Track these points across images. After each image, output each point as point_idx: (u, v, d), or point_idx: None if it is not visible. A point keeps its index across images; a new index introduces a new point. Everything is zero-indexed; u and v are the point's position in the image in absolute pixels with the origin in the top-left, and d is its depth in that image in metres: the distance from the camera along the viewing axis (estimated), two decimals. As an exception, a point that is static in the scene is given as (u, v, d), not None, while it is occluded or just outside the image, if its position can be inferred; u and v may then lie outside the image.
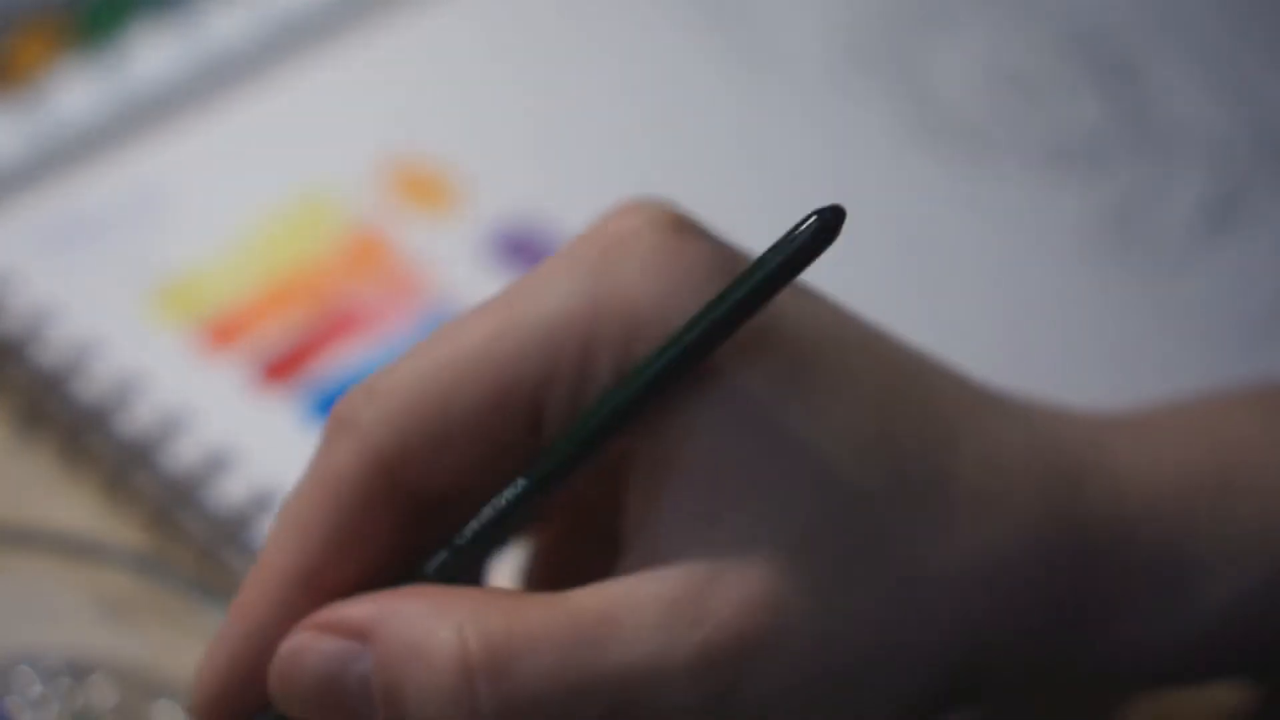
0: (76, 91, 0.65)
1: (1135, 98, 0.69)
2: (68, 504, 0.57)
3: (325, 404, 0.58)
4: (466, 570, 0.41)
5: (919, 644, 0.40)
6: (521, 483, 0.40)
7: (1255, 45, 0.70)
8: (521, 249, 0.63)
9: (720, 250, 0.40)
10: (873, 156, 0.67)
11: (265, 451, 0.57)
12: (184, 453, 0.57)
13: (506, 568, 0.46)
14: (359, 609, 0.39)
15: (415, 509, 0.41)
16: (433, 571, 0.41)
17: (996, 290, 0.64)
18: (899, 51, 0.70)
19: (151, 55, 0.66)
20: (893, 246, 0.64)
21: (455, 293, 0.61)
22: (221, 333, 0.60)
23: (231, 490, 0.57)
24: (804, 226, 0.38)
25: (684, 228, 0.40)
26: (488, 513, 0.40)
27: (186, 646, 0.48)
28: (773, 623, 0.39)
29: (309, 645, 0.40)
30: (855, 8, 0.71)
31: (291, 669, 0.40)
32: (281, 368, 0.59)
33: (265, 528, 0.56)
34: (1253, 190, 0.67)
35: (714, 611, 0.39)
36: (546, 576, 0.45)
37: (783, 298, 0.40)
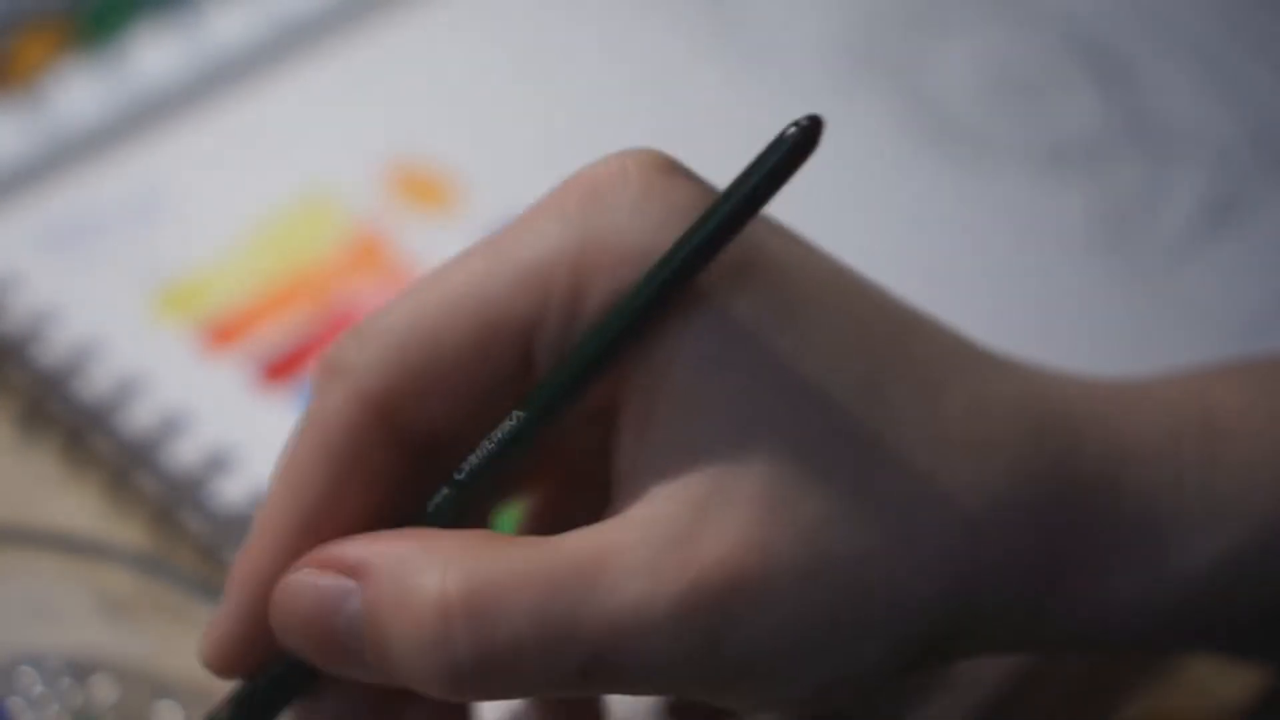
0: (78, 92, 0.65)
1: (1134, 98, 0.69)
2: (69, 504, 0.57)
3: (326, 404, 0.59)
4: (469, 508, 0.41)
5: (905, 588, 0.40)
6: (518, 415, 0.40)
7: (1254, 46, 0.71)
8: (522, 249, 0.63)
9: (706, 191, 0.40)
10: (873, 157, 0.67)
11: (266, 451, 0.57)
12: (185, 452, 0.57)
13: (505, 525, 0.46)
14: (352, 548, 0.40)
15: (412, 451, 0.41)
16: (434, 509, 0.41)
17: (995, 289, 0.64)
18: (899, 52, 0.70)
19: (153, 56, 0.66)
20: (893, 246, 0.64)
21: (456, 293, 0.61)
22: (222, 333, 0.60)
23: (232, 490, 0.57)
24: (784, 137, 0.38)
25: (670, 169, 0.41)
26: (485, 447, 0.40)
27: (188, 645, 0.48)
28: (760, 565, 0.39)
29: (304, 581, 0.40)
30: (855, 8, 0.71)
31: (288, 605, 0.40)
32: (282, 368, 0.59)
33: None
34: (1251, 190, 0.67)
35: (701, 554, 0.38)
36: (542, 530, 0.45)
37: (772, 239, 0.40)
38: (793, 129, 0.38)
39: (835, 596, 0.39)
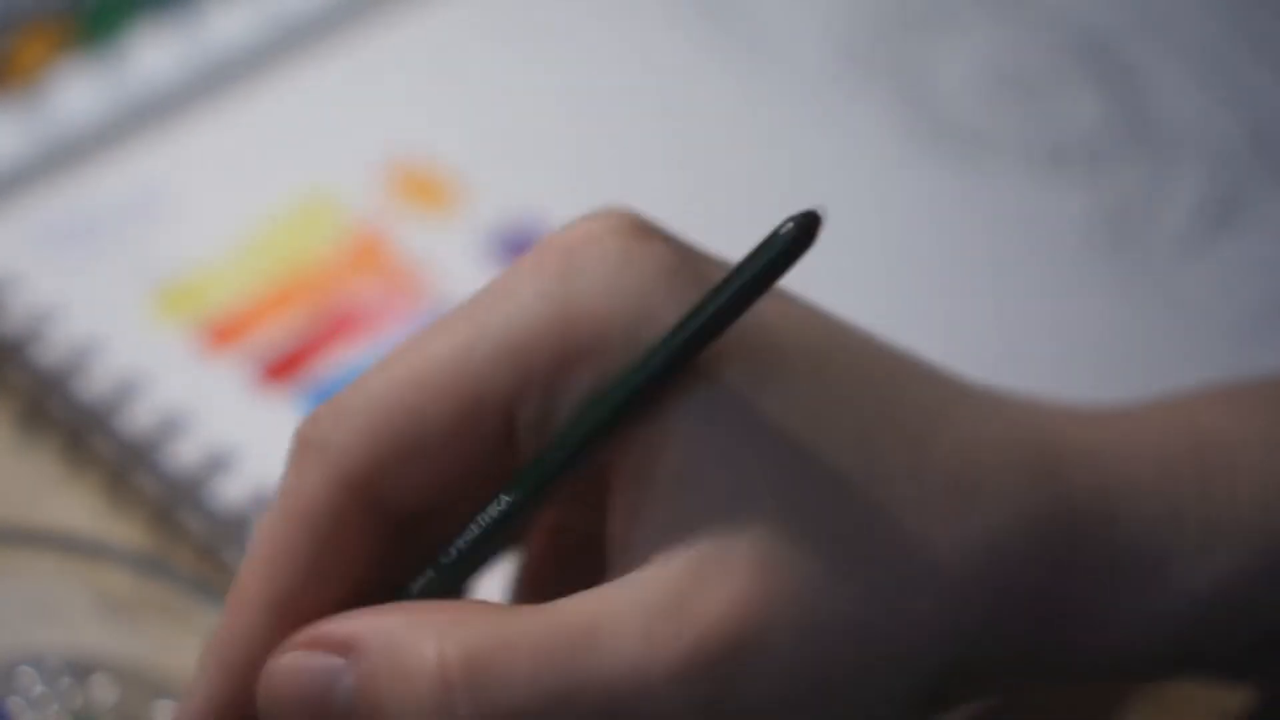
0: (78, 91, 0.65)
1: (1134, 98, 0.69)
2: (69, 504, 0.57)
3: (326, 404, 0.59)
4: (453, 587, 0.41)
5: (907, 641, 0.40)
6: (505, 499, 0.40)
7: (1253, 46, 0.71)
8: (521, 249, 0.63)
9: (683, 253, 0.40)
10: (872, 157, 0.67)
11: (265, 451, 0.57)
12: (185, 452, 0.57)
13: (494, 585, 0.46)
14: (342, 625, 0.39)
15: (391, 526, 0.41)
16: (419, 590, 0.41)
17: (994, 290, 0.64)
18: (899, 52, 0.70)
19: (152, 56, 0.66)
20: (892, 247, 0.64)
21: (455, 293, 0.61)
22: (222, 333, 0.60)
23: (232, 490, 0.57)
24: (781, 232, 0.38)
25: (645, 232, 0.40)
26: (472, 530, 0.40)
27: (187, 646, 0.48)
28: (758, 625, 0.38)
29: (295, 663, 0.39)
30: (855, 8, 0.71)
31: (278, 687, 0.40)
32: (282, 368, 0.59)
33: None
34: (1250, 190, 0.67)
35: (698, 617, 0.38)
36: (534, 593, 0.45)
37: (760, 301, 0.40)
38: (790, 225, 0.38)
39: (833, 656, 0.39)
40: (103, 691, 0.49)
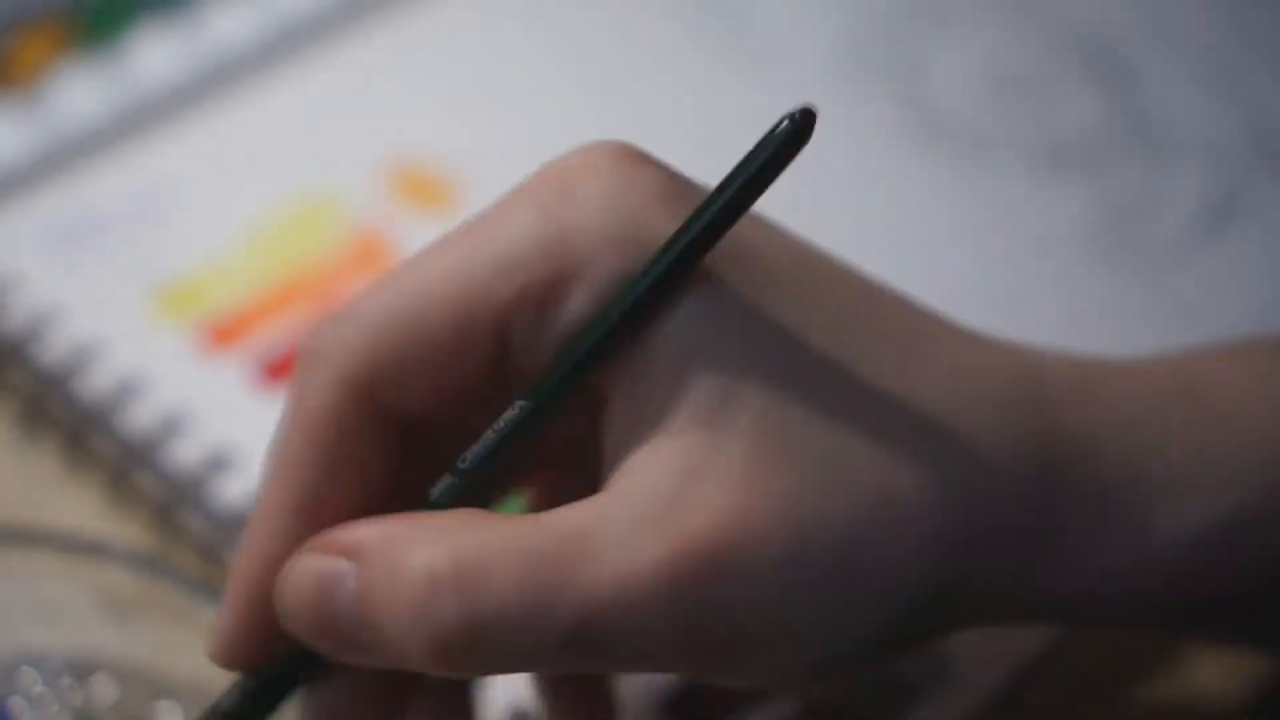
0: (79, 92, 0.65)
1: (1134, 99, 0.69)
2: (70, 503, 0.57)
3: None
4: (474, 495, 0.41)
5: (889, 558, 0.40)
6: (521, 403, 0.40)
7: (1252, 47, 0.71)
8: (522, 249, 0.63)
9: (678, 179, 0.41)
10: (872, 157, 0.67)
11: (265, 451, 0.57)
12: (185, 452, 0.57)
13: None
14: (351, 532, 0.40)
15: (398, 434, 0.42)
16: (438, 496, 0.41)
17: (994, 289, 0.64)
18: (899, 52, 0.70)
19: (153, 56, 0.66)
20: (892, 246, 0.64)
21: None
22: (223, 333, 0.60)
23: (232, 490, 0.57)
24: (778, 130, 0.38)
25: (641, 159, 0.41)
26: (489, 436, 0.41)
27: (188, 645, 0.48)
28: (743, 534, 0.39)
29: (305, 566, 0.40)
30: (855, 8, 0.71)
31: (290, 589, 0.41)
32: (282, 368, 0.59)
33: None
34: (1250, 191, 0.67)
35: (682, 523, 0.39)
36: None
37: (746, 226, 0.40)
38: (785, 122, 0.38)
39: (820, 566, 0.39)
40: (103, 691, 0.49)
